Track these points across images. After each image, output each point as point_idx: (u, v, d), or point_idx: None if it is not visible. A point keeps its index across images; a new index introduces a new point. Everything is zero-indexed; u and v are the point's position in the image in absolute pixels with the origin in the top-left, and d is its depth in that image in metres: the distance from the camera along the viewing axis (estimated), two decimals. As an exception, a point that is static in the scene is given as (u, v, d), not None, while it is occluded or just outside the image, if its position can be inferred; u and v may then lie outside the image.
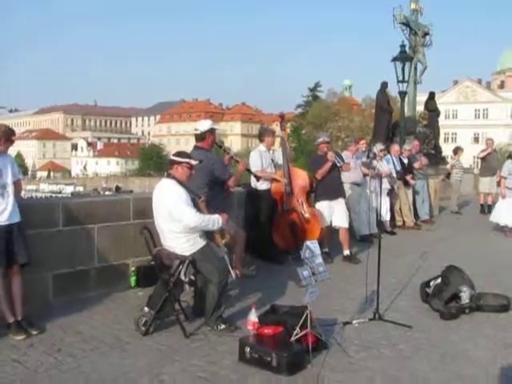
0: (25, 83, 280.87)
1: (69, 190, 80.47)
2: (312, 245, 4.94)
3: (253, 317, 5.11)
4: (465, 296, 6.32)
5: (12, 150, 5.57)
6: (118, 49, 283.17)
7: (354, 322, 5.76)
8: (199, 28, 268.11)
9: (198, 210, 5.47)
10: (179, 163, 5.51)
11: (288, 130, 78.06)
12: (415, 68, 18.29)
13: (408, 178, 12.55)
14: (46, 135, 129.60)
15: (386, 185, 11.61)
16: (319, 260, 4.94)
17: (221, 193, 6.57)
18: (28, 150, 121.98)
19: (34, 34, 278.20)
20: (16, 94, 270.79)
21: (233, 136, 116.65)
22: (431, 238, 11.50)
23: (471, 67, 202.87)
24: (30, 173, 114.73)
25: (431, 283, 6.70)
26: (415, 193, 13.16)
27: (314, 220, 8.53)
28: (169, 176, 5.53)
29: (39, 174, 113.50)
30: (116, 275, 7.04)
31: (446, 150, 23.40)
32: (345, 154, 10.57)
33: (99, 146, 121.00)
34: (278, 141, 9.16)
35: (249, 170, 7.38)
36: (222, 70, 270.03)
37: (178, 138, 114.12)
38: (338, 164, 8.52)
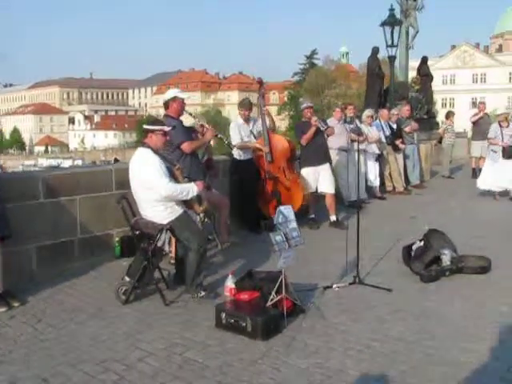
0: (19, 57, 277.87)
1: (67, 164, 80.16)
2: (285, 210, 4.94)
3: (230, 283, 5.16)
4: (446, 259, 6.35)
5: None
6: (113, 20, 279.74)
7: (334, 286, 5.79)
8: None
9: (174, 178, 5.47)
10: (152, 131, 5.49)
11: (285, 98, 77.97)
12: (407, 32, 18.09)
13: (397, 142, 12.49)
14: (42, 109, 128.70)
15: (374, 150, 11.60)
16: (293, 225, 4.94)
17: (192, 160, 6.54)
18: (24, 124, 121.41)
19: (26, 10, 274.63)
20: (11, 68, 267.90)
21: (230, 105, 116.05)
22: (421, 203, 11.52)
23: (469, 31, 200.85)
24: (27, 148, 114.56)
25: (413, 246, 6.72)
26: (406, 158, 13.13)
27: (296, 186, 8.53)
28: (144, 145, 5.53)
29: (37, 148, 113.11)
30: (100, 246, 7.05)
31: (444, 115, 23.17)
32: (331, 120, 10.55)
33: (96, 118, 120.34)
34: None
35: (221, 139, 7.36)
36: (219, 40, 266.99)
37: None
38: (322, 128, 8.47)
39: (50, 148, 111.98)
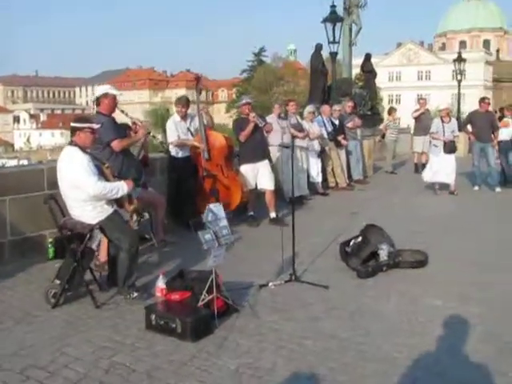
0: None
1: (12, 163, 78.03)
2: (215, 208, 4.83)
3: (160, 283, 5.03)
4: (383, 254, 6.35)
5: None
6: (58, 17, 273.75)
7: (269, 284, 5.71)
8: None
9: (104, 177, 5.32)
10: (80, 129, 5.31)
11: (234, 96, 77.69)
12: (350, 29, 18.23)
13: (340, 138, 12.53)
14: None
15: (316, 146, 11.61)
16: (223, 223, 4.83)
17: (124, 158, 6.36)
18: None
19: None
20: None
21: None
22: (362, 198, 11.59)
23: (414, 29, 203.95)
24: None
25: (351, 242, 6.69)
26: (348, 153, 13.20)
27: (234, 184, 8.44)
28: (71, 143, 5.34)
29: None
30: (33, 247, 6.82)
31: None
32: (271, 117, 10.52)
33: (42, 117, 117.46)
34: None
35: (154, 137, 7.22)
36: (167, 37, 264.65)
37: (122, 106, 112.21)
38: (260, 124, 8.38)
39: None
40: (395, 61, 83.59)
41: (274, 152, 10.28)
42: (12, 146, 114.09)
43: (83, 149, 5.29)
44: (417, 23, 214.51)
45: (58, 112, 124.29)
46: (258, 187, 8.77)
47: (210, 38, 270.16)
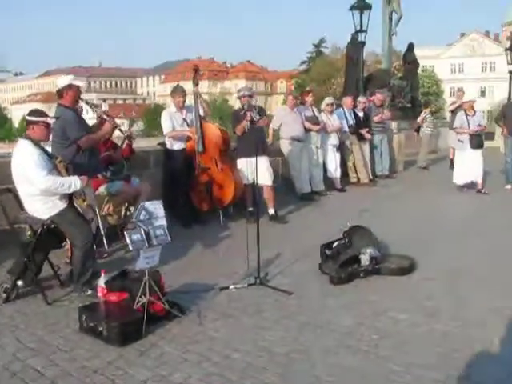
0: (29, 46, 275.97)
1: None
2: (152, 206, 4.54)
3: (101, 282, 4.80)
4: (364, 258, 5.89)
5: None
6: (120, 8, 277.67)
7: (231, 287, 5.40)
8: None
9: (57, 171, 5.14)
10: (35, 123, 5.15)
11: (292, 87, 77.13)
12: (390, 18, 17.61)
13: (363, 131, 12.00)
14: (51, 98, 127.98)
15: (333, 140, 11.15)
16: (160, 222, 4.54)
17: (91, 154, 6.14)
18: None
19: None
20: (21, 57, 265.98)
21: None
22: (382, 195, 11.07)
23: (479, 19, 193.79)
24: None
25: (334, 244, 6.28)
26: (373, 147, 12.65)
27: (227, 179, 8.10)
28: (25, 136, 5.18)
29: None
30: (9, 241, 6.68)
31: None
32: (283, 108, 10.20)
33: (104, 107, 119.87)
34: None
35: (120, 130, 6.96)
36: (227, 28, 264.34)
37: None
38: (255, 119, 7.98)
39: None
40: (458, 52, 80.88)
41: (286, 145, 9.95)
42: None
43: (36, 142, 5.13)
44: (482, 12, 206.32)
45: (120, 102, 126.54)
46: (257, 183, 8.38)
47: (272, 29, 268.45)
